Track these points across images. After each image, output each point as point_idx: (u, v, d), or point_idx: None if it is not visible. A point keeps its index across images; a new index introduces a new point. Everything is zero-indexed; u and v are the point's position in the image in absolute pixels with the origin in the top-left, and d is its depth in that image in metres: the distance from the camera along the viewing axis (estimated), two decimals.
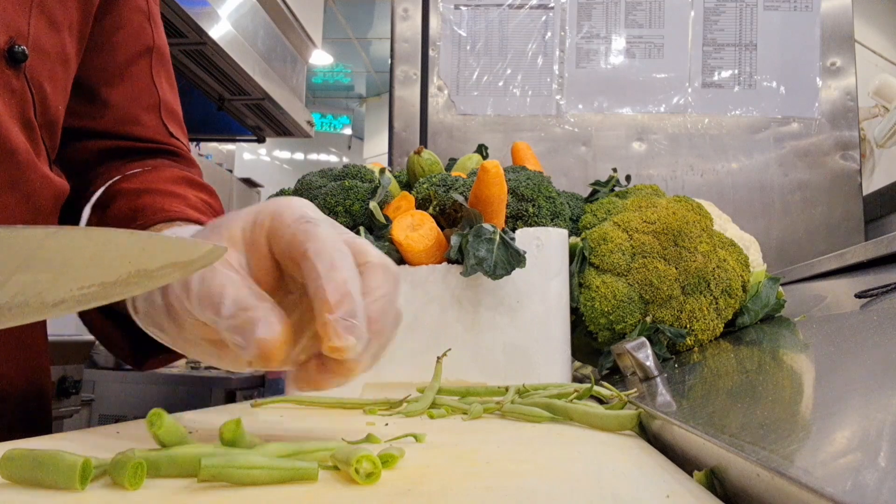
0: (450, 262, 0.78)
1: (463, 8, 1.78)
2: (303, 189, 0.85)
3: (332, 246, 0.42)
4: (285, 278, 0.47)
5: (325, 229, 0.43)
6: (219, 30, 2.21)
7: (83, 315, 0.67)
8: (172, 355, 0.62)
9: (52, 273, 0.35)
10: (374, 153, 7.35)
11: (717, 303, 0.81)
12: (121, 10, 0.77)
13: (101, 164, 0.75)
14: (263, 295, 0.43)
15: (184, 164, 0.78)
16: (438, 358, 0.67)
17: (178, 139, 0.79)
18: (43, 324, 0.71)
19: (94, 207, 0.69)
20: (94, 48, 0.74)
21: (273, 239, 0.44)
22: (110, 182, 0.71)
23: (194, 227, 0.59)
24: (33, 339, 0.68)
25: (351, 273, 0.42)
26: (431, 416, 0.60)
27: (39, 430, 0.72)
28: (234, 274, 0.43)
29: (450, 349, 0.70)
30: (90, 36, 0.73)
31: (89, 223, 0.68)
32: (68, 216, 0.74)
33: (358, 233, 0.78)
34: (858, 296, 0.75)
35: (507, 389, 0.67)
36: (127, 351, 0.65)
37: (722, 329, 0.83)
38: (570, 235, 0.83)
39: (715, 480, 0.35)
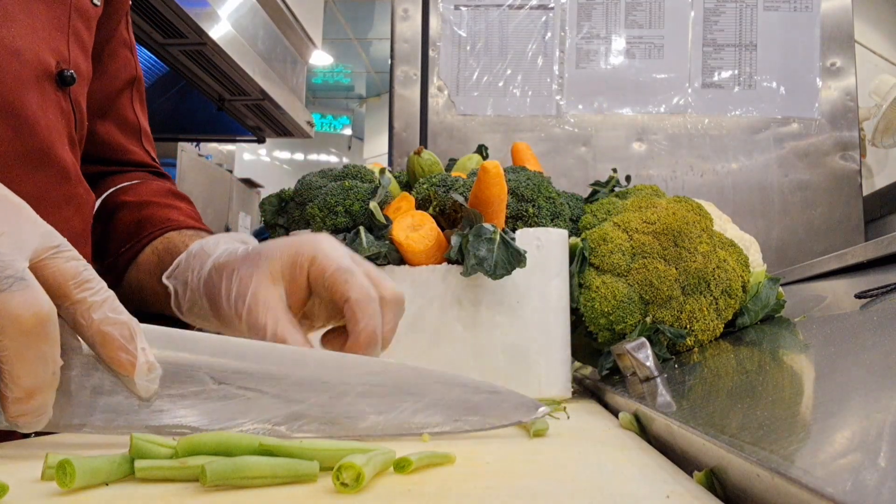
0: (450, 262, 0.78)
1: (463, 8, 1.78)
2: (303, 189, 0.85)
3: (368, 297, 0.55)
4: (312, 296, 0.59)
5: (361, 280, 0.56)
6: (219, 30, 2.21)
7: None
8: None
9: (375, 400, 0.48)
10: (374, 153, 7.35)
11: (717, 303, 0.81)
12: (112, 44, 0.84)
13: (93, 185, 0.82)
14: (296, 327, 0.56)
15: (160, 176, 0.90)
16: None
17: (156, 161, 0.92)
18: None
19: (93, 220, 0.78)
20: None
21: (314, 280, 0.57)
22: (105, 195, 0.82)
23: (199, 233, 0.74)
24: None
25: (377, 321, 0.55)
26: None
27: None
28: (276, 310, 0.56)
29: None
30: None
31: (92, 234, 0.77)
32: None
33: (358, 233, 0.78)
34: (858, 296, 0.75)
35: None
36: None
37: (722, 329, 0.83)
38: (570, 236, 0.83)
39: (715, 481, 0.35)
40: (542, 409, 0.51)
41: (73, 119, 0.70)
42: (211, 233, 0.77)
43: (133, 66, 0.87)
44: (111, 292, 0.43)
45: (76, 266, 0.41)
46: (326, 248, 0.57)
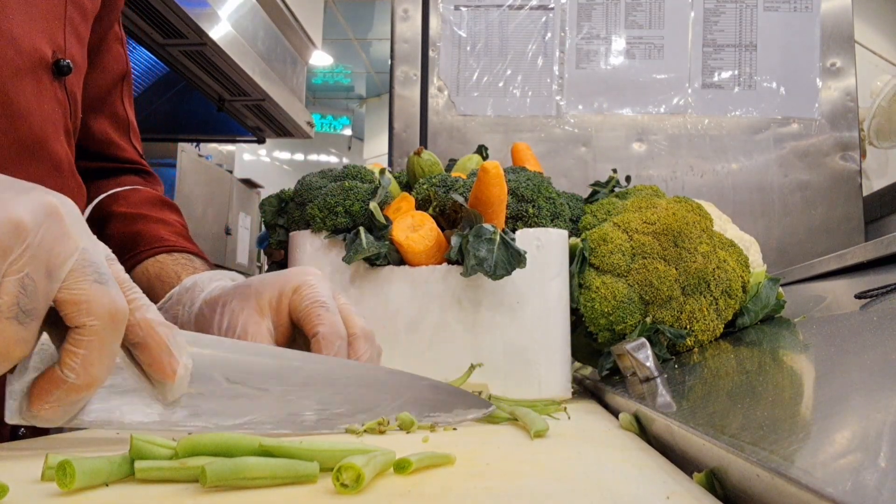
0: (450, 262, 0.78)
1: (463, 9, 1.78)
2: (303, 190, 0.85)
3: (334, 332, 0.58)
4: (296, 328, 0.62)
5: (331, 316, 0.58)
6: (219, 30, 2.21)
7: None
8: None
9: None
10: (374, 154, 7.34)
11: (717, 303, 0.81)
12: (107, 38, 0.84)
13: (85, 181, 0.82)
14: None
15: (150, 179, 0.91)
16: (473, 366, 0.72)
17: (142, 157, 0.92)
18: None
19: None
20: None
21: (292, 311, 0.60)
22: (97, 201, 0.83)
23: (189, 257, 0.77)
24: None
25: (341, 356, 0.58)
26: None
27: (32, 431, 0.72)
28: (264, 343, 0.59)
29: (481, 364, 0.74)
30: None
31: None
32: None
33: (358, 233, 0.78)
34: (858, 296, 0.75)
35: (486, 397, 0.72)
36: None
37: (722, 330, 0.83)
38: (570, 236, 0.83)
39: (715, 481, 0.35)
40: (493, 408, 0.58)
41: (68, 109, 0.69)
42: (199, 251, 0.80)
43: (124, 60, 0.87)
44: (152, 303, 0.44)
45: (122, 271, 0.43)
46: (309, 282, 0.60)
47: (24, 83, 0.62)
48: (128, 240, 0.78)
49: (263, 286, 0.61)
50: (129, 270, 0.76)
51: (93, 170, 0.85)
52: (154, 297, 0.71)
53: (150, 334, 0.42)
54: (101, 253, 0.41)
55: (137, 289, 0.43)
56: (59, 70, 0.66)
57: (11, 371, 0.39)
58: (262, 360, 0.50)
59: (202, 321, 0.64)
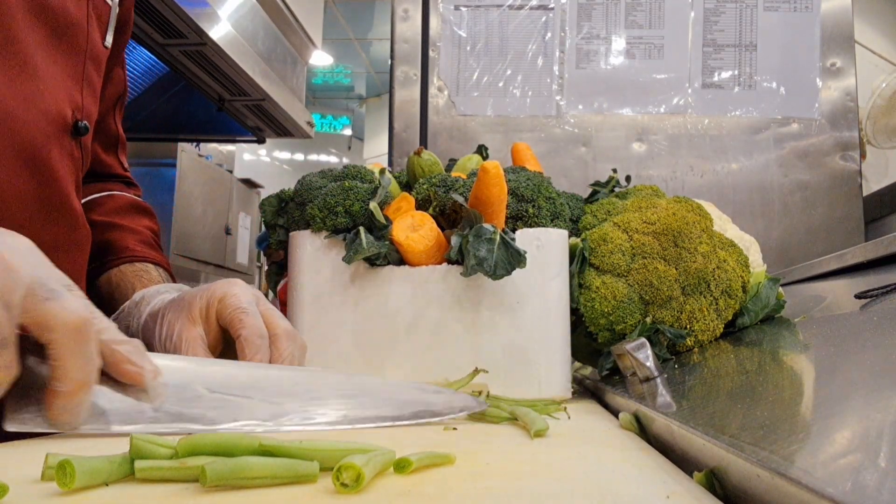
0: (450, 262, 0.78)
1: (463, 9, 1.78)
2: (303, 189, 0.85)
3: (256, 333, 0.63)
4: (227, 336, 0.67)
5: (253, 320, 0.64)
6: (219, 30, 2.21)
7: None
8: None
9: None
10: (374, 154, 7.34)
11: (717, 303, 0.81)
12: (113, 67, 0.86)
13: None
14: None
15: (129, 186, 0.95)
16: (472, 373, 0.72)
17: (127, 170, 0.96)
18: None
19: None
20: None
21: (219, 317, 0.66)
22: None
23: (147, 268, 0.83)
24: None
25: (263, 355, 0.63)
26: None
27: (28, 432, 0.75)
28: (196, 348, 0.65)
29: (484, 371, 0.73)
30: None
31: None
32: None
33: (358, 233, 0.78)
34: (858, 296, 0.75)
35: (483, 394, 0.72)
36: None
37: (722, 330, 0.83)
38: (570, 236, 0.83)
39: (715, 481, 0.35)
40: (463, 414, 0.60)
41: (81, 165, 0.74)
42: (160, 259, 0.86)
43: (123, 82, 0.91)
44: (113, 323, 0.50)
45: (85, 300, 0.47)
46: (233, 291, 0.66)
47: (52, 147, 0.67)
48: (99, 249, 0.84)
49: (193, 298, 0.67)
50: (95, 278, 0.83)
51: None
52: (114, 306, 0.79)
53: (110, 352, 0.48)
54: (58, 280, 0.46)
55: (98, 313, 0.48)
56: (77, 131, 0.70)
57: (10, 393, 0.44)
58: (231, 371, 0.56)
59: (147, 331, 0.71)
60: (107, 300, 0.81)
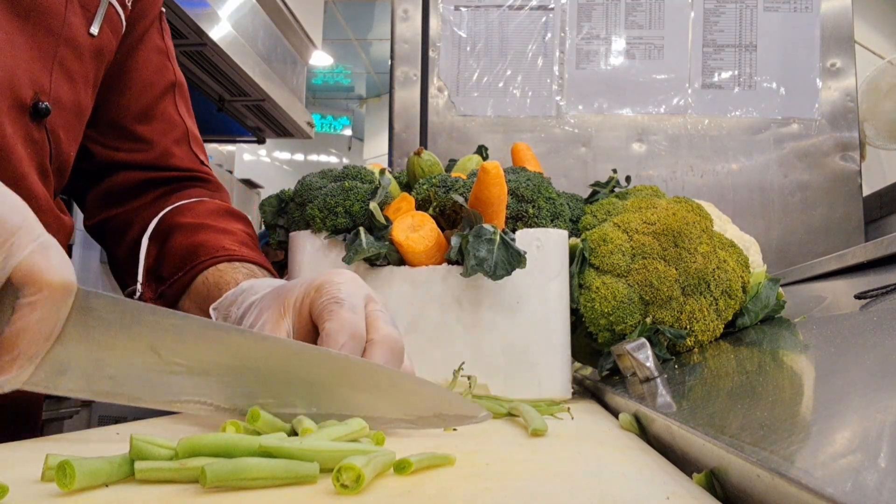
0: (450, 262, 0.78)
1: (463, 9, 1.78)
2: (303, 190, 0.85)
3: (342, 331, 0.54)
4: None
5: (345, 314, 0.55)
6: (219, 31, 2.21)
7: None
8: None
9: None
10: (375, 154, 7.34)
11: (717, 304, 0.81)
12: (142, 52, 0.84)
13: (144, 193, 0.85)
14: None
15: (214, 189, 0.91)
16: (455, 371, 0.70)
17: (206, 165, 0.90)
18: None
19: (150, 239, 0.81)
20: (118, 89, 0.82)
21: (311, 309, 0.58)
22: (162, 214, 0.83)
23: (250, 267, 0.76)
24: None
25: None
26: None
27: (28, 432, 0.73)
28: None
29: (463, 363, 0.72)
30: (114, 76, 0.80)
31: (148, 254, 0.80)
32: (117, 242, 0.85)
33: (358, 234, 0.78)
34: (858, 297, 0.75)
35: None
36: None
37: (722, 330, 0.83)
38: (570, 236, 0.83)
39: (715, 482, 0.35)
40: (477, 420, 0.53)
41: (47, 149, 0.70)
42: (262, 261, 0.79)
43: (171, 70, 0.87)
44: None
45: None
46: (333, 280, 0.58)
47: (3, 124, 0.63)
48: (190, 250, 0.78)
49: (293, 287, 0.60)
50: (190, 280, 0.77)
51: (150, 182, 0.85)
52: (212, 301, 0.72)
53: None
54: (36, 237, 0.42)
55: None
56: (36, 112, 0.67)
57: None
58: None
59: (242, 322, 0.65)
60: (202, 304, 0.75)
